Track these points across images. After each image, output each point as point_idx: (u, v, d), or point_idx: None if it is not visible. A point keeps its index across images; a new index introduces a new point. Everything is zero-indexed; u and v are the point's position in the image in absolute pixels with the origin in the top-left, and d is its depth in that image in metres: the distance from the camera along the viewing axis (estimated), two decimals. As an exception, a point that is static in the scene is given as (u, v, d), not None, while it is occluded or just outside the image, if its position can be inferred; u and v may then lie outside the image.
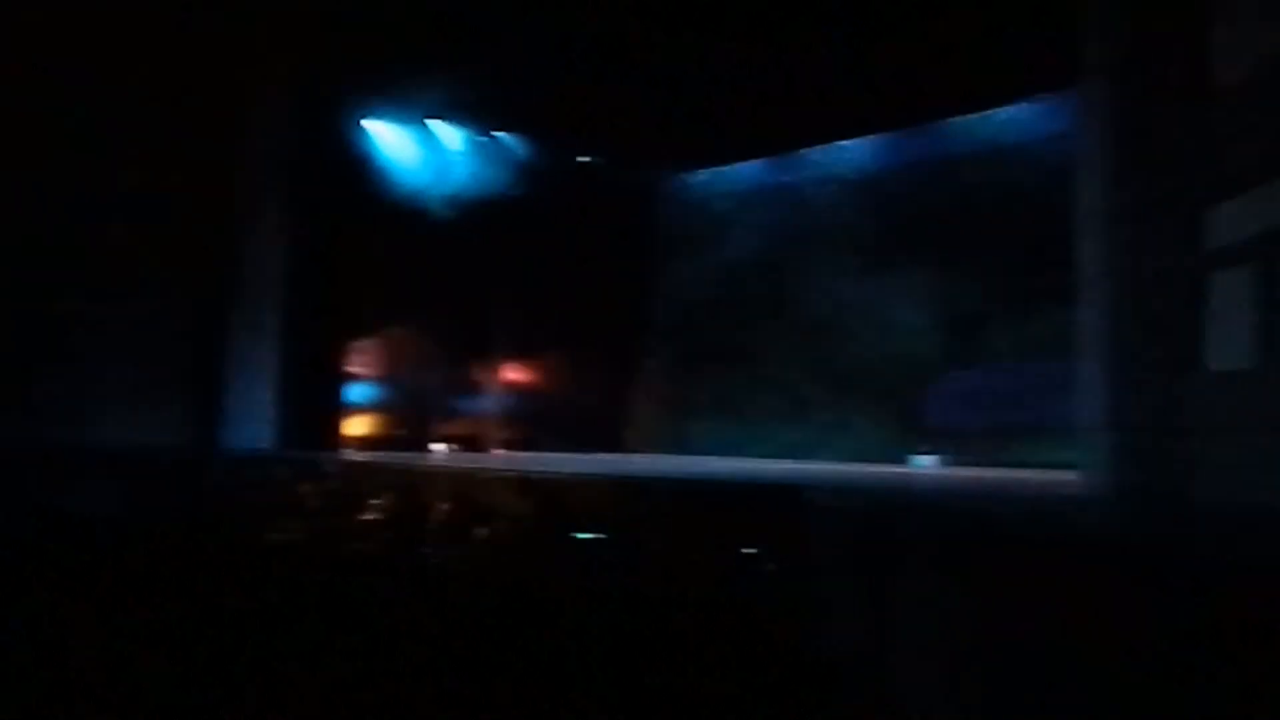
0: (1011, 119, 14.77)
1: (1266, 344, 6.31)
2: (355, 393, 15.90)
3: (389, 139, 16.03)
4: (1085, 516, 6.55)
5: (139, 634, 5.47)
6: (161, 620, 5.73)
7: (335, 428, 15.27)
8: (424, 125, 16.38)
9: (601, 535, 8.43)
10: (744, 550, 7.63)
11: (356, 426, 15.93)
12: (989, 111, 14.88)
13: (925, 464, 14.05)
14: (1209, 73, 7.17)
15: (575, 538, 8.61)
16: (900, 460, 14.43)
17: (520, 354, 17.99)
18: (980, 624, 4.50)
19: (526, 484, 9.47)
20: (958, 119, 15.23)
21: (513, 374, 18.01)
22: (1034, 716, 3.91)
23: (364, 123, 15.67)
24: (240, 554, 8.18)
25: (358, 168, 15.43)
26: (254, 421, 14.25)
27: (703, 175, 19.10)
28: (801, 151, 17.40)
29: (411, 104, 15.68)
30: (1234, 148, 6.70)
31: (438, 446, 16.26)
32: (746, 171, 18.44)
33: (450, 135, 16.73)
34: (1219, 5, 7.12)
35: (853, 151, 16.83)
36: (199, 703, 4.78)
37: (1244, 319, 6.55)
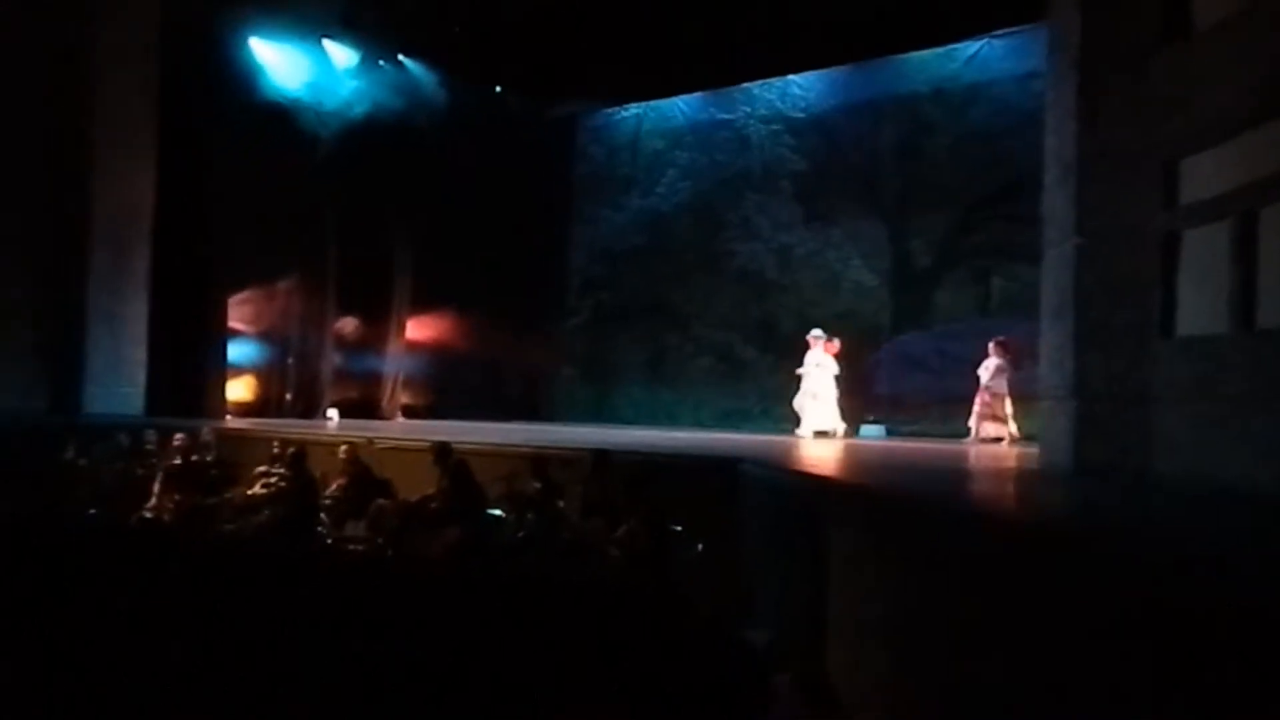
0: (975, 56, 14.74)
1: (1240, 307, 6.39)
2: (237, 352, 15.12)
3: (278, 60, 15.22)
4: (1041, 496, 6.59)
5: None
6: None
7: (215, 391, 14.54)
8: (319, 46, 15.66)
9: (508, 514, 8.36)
10: (673, 528, 7.63)
11: (239, 390, 15.28)
12: (950, 46, 14.80)
13: (873, 434, 14.17)
14: (1188, 11, 7.22)
15: (486, 514, 8.53)
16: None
17: (424, 308, 17.39)
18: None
19: (432, 455, 9.30)
20: (914, 54, 15.12)
21: (416, 331, 17.39)
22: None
23: (251, 41, 14.90)
24: (97, 537, 7.86)
25: (240, 91, 14.61)
26: (120, 383, 13.70)
27: (631, 110, 18.83)
28: (743, 86, 17.22)
29: (304, 20, 14.97)
30: (1214, 92, 6.74)
31: (332, 413, 15.90)
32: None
33: (348, 58, 16.00)
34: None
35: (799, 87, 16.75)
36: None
37: (1218, 281, 6.62)
